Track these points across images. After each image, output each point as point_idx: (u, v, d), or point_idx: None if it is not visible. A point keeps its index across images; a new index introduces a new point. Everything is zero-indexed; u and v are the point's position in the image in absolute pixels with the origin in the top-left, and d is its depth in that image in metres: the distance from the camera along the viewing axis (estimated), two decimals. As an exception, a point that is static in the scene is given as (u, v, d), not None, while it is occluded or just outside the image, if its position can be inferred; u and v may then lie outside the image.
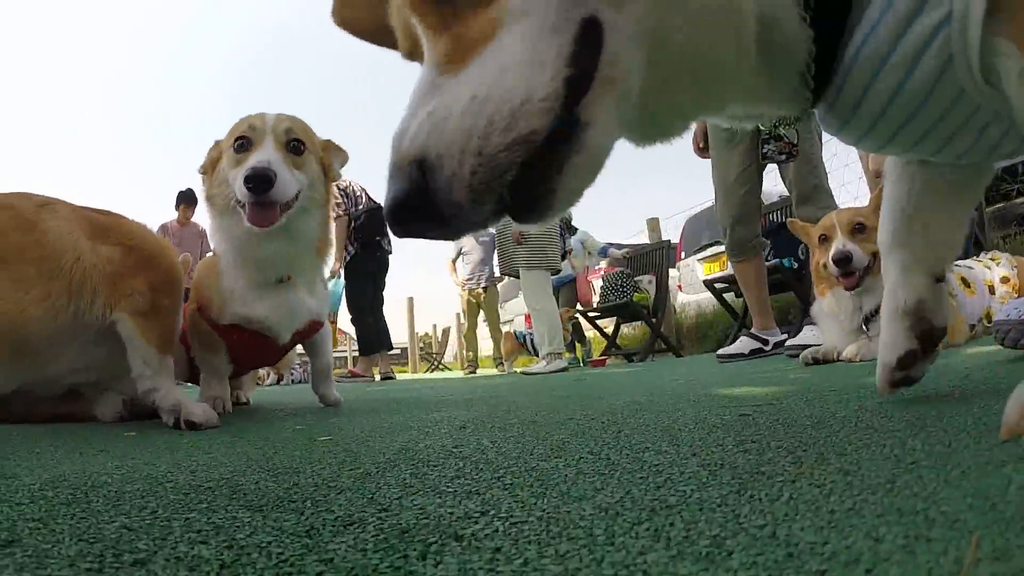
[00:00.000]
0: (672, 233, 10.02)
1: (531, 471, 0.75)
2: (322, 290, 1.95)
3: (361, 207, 5.93)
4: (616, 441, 0.93)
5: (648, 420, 1.14)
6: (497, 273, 7.63)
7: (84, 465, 0.93)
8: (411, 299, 13.93)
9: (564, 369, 5.29)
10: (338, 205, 5.49)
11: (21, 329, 1.45)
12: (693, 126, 0.83)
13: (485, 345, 9.69)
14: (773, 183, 4.38)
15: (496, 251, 6.08)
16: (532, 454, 0.87)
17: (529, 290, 5.52)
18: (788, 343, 3.10)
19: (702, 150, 3.49)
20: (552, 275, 5.81)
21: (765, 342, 3.40)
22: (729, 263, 3.65)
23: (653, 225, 9.30)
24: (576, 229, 8.38)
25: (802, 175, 3.15)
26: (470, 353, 8.90)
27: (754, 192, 3.29)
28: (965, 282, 2.53)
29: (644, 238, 9.51)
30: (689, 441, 0.87)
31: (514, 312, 11.15)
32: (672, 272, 7.91)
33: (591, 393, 2.06)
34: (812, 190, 3.14)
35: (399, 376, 7.58)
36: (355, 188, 5.96)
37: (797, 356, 2.59)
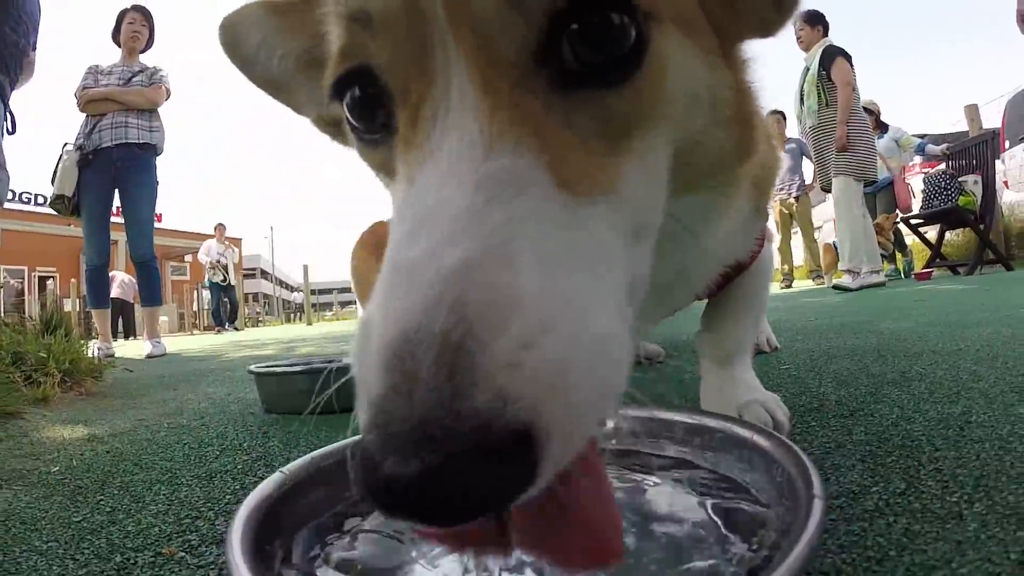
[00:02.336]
0: (995, 120, 8.81)
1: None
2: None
3: None
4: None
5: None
6: (808, 181, 7.53)
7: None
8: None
9: (880, 284, 5.30)
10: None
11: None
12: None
13: (797, 255, 9.21)
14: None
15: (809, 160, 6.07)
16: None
17: (842, 200, 5.41)
18: None
19: None
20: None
21: None
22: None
23: (971, 113, 8.38)
24: (887, 126, 7.88)
25: None
26: (785, 266, 8.54)
27: None
28: None
29: (963, 126, 8.87)
30: None
31: (822, 219, 10.42)
32: (996, 165, 7.10)
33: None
34: None
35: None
36: None
37: None
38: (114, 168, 4.51)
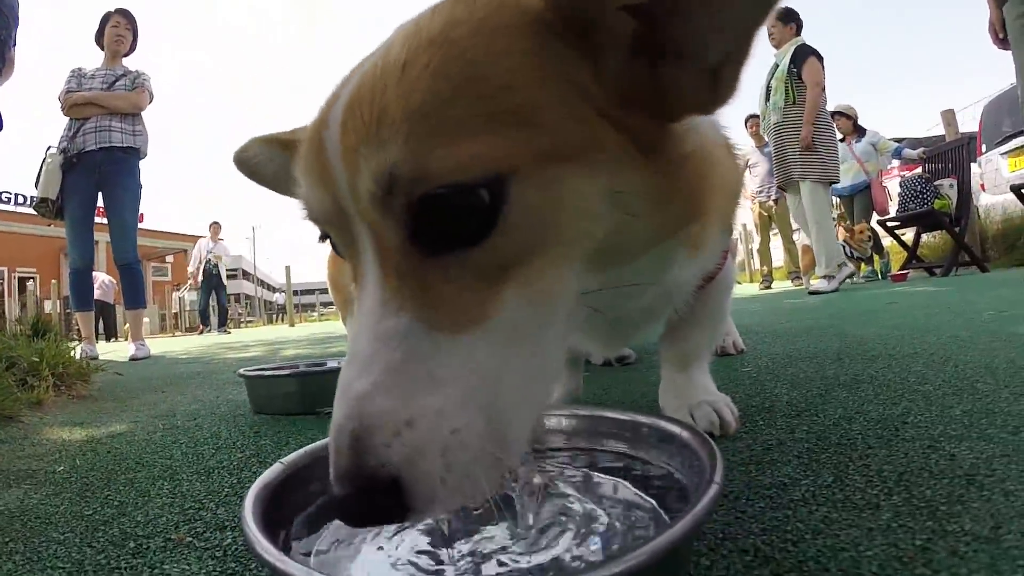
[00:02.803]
0: (970, 125, 9.02)
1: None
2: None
3: None
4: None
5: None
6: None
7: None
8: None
9: (851, 274, 5.63)
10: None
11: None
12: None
13: (776, 256, 9.34)
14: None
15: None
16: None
17: (813, 205, 5.50)
18: None
19: (1002, 41, 3.28)
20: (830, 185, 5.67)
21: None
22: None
23: (948, 118, 8.55)
24: (864, 130, 7.96)
25: None
26: (764, 268, 8.67)
27: None
28: None
29: (939, 131, 8.99)
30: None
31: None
32: (973, 168, 7.25)
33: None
34: None
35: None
36: None
37: None
38: (98, 171, 4.54)
